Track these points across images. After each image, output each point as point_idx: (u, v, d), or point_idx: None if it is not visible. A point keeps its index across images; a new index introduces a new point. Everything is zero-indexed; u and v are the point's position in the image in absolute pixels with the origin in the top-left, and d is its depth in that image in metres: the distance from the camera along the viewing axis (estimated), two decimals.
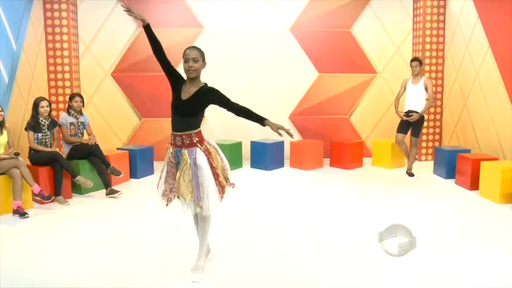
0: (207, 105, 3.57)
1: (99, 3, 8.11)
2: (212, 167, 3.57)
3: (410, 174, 7.34)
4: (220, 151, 3.75)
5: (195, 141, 3.56)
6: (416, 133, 7.30)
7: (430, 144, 8.55)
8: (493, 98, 6.93)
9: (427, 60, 8.35)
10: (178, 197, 3.63)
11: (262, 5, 8.48)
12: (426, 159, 8.51)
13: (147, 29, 3.60)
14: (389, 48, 8.70)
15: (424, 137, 8.52)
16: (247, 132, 8.22)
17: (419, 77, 7.19)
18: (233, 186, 3.76)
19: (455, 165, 6.84)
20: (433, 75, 8.38)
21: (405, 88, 7.33)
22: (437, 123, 8.56)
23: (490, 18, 6.98)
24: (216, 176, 3.59)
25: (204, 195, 3.55)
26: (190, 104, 3.52)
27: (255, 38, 8.47)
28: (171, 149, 3.63)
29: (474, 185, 6.37)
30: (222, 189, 3.64)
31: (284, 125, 3.51)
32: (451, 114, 8.27)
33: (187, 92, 3.55)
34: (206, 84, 3.61)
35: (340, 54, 8.63)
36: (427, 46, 8.33)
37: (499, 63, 6.76)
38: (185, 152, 3.55)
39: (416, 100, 7.19)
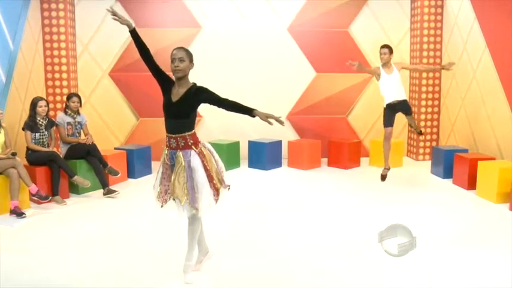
0: (197, 105, 3.57)
1: (97, 3, 8.08)
2: (206, 170, 3.57)
3: (420, 132, 7.48)
4: (215, 153, 3.75)
5: (189, 143, 3.56)
6: (408, 111, 7.00)
7: (428, 144, 8.56)
8: (490, 98, 6.94)
9: (424, 60, 8.35)
10: (174, 199, 3.63)
11: (260, 5, 8.47)
12: (424, 159, 8.51)
13: (133, 33, 3.61)
14: None
15: (422, 137, 8.52)
16: (245, 132, 8.23)
17: (389, 65, 6.74)
18: (228, 188, 3.76)
19: (453, 164, 6.85)
20: (431, 74, 8.38)
21: (377, 76, 6.82)
22: (435, 123, 8.57)
23: (488, 17, 6.99)
24: (210, 178, 3.58)
25: (198, 198, 3.55)
26: (181, 106, 3.52)
27: (253, 38, 8.47)
28: (166, 150, 3.64)
29: (471, 184, 6.38)
30: (216, 191, 3.63)
31: (281, 126, 3.50)
32: (448, 113, 8.28)
33: (176, 94, 3.56)
34: (195, 84, 3.61)
35: (337, 54, 8.62)
36: (425, 46, 8.33)
37: (496, 62, 6.77)
38: (180, 154, 3.55)
39: (396, 89, 6.73)
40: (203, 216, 3.73)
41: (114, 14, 3.61)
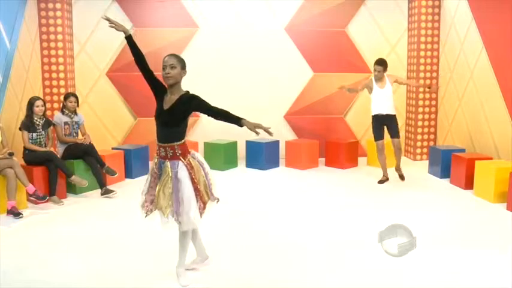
0: (188, 113, 3.53)
1: (94, 3, 8.07)
2: (193, 182, 3.52)
3: (401, 176, 7.00)
4: (205, 165, 3.70)
5: (178, 153, 3.52)
6: (395, 134, 6.85)
7: (425, 143, 8.58)
8: (487, 98, 6.96)
9: (421, 60, 8.37)
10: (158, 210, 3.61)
11: (258, 4, 8.47)
12: (421, 159, 8.53)
13: (129, 39, 3.60)
14: (384, 47, 8.71)
15: (419, 137, 8.55)
16: (243, 132, 8.19)
17: (382, 78, 6.79)
18: (217, 201, 3.73)
19: (450, 164, 6.87)
20: (428, 74, 8.40)
21: (369, 89, 6.87)
22: (432, 123, 8.59)
23: (485, 18, 7.01)
24: (197, 191, 3.54)
25: (183, 211, 3.51)
26: (172, 114, 3.49)
27: (250, 38, 8.47)
28: (156, 159, 3.61)
29: (469, 184, 6.40)
30: (203, 204, 3.60)
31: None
32: (446, 113, 8.29)
33: (168, 102, 3.53)
34: (188, 91, 3.57)
35: (335, 54, 8.64)
36: (422, 46, 8.35)
37: (493, 63, 6.79)
38: (168, 164, 3.52)
39: (387, 103, 6.78)
40: (198, 225, 3.69)
41: (109, 21, 3.58)
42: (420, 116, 8.51)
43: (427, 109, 8.49)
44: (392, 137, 6.92)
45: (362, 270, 3.94)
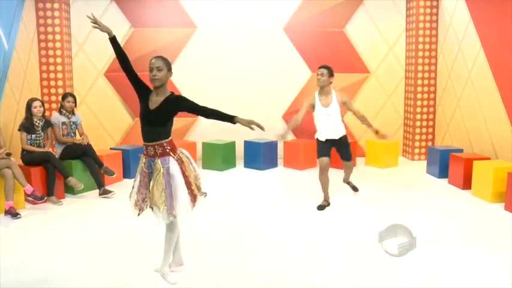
0: (175, 114, 3.58)
1: (92, 3, 8.06)
2: (185, 176, 3.58)
3: (354, 188, 6.25)
4: (192, 160, 3.77)
5: (167, 150, 3.58)
6: (347, 156, 5.95)
7: (423, 143, 8.58)
8: (485, 98, 6.96)
9: (419, 60, 8.38)
10: (151, 207, 3.63)
11: (256, 4, 8.47)
12: (419, 159, 8.54)
13: (113, 41, 3.65)
14: (382, 47, 8.72)
15: (417, 137, 8.56)
16: (241, 132, 8.20)
17: (327, 93, 5.73)
18: (205, 196, 3.78)
19: (448, 164, 6.88)
20: (426, 74, 8.41)
21: (312, 107, 5.81)
22: (430, 123, 8.60)
23: (483, 18, 7.01)
24: (188, 184, 3.59)
25: (177, 204, 3.54)
26: (158, 114, 3.54)
27: (249, 38, 8.47)
28: (144, 159, 3.65)
29: (467, 184, 6.41)
30: (194, 198, 3.64)
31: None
32: (444, 113, 8.30)
33: (154, 102, 3.58)
34: (173, 93, 3.63)
35: (333, 54, 8.62)
36: (420, 46, 8.36)
37: (491, 63, 6.80)
38: (158, 161, 3.56)
39: (334, 125, 5.70)
40: (180, 225, 3.72)
41: (94, 21, 3.61)
42: (418, 116, 8.52)
43: (425, 109, 8.50)
44: (343, 159, 6.03)
45: (361, 270, 3.94)
